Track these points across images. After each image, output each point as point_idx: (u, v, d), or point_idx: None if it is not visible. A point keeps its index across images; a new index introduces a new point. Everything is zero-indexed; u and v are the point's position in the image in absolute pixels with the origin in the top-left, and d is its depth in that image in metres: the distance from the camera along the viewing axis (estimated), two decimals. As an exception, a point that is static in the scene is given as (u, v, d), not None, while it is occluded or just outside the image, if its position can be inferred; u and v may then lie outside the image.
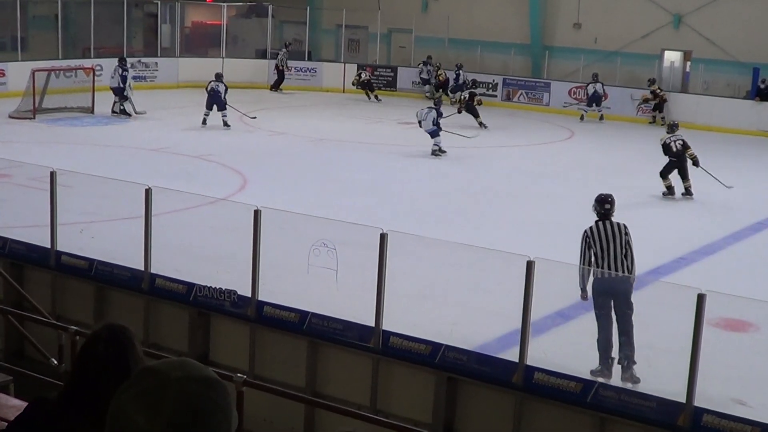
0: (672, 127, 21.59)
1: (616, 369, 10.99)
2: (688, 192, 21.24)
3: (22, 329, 12.44)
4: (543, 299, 11.06)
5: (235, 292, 12.35)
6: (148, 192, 13.13)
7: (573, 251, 11.63)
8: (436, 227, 16.47)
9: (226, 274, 13.16)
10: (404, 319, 11.85)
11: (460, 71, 36.34)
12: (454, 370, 10.89)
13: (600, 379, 10.71)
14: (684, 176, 21.19)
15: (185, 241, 15.71)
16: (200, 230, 16.61)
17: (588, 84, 33.90)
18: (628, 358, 10.97)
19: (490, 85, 37.19)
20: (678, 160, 21.02)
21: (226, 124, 28.56)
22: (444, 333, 11.50)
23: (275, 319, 12.08)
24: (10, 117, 29.07)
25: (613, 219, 11.62)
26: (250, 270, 12.18)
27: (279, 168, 23.23)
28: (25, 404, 6.94)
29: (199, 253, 15.19)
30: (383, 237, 11.20)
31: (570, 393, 10.27)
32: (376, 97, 37.01)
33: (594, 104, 33.74)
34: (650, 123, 32.72)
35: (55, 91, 30.27)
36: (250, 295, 12.20)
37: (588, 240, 11.38)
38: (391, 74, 39.11)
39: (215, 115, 28.45)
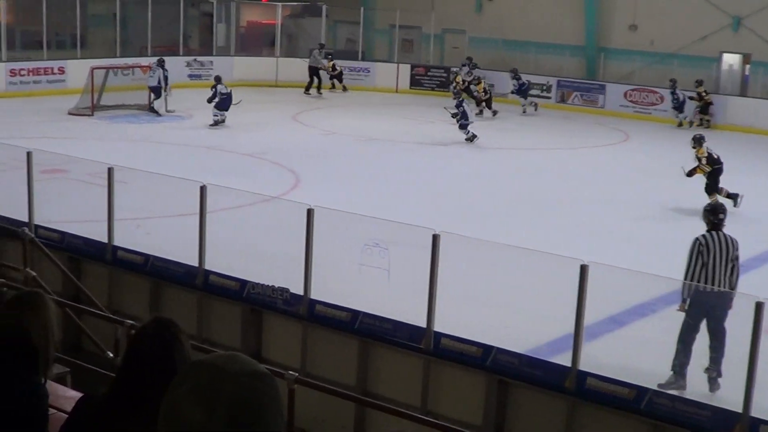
0: (700, 141, 20.27)
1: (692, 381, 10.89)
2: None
3: (80, 322, 12.63)
4: (596, 304, 11.02)
5: (287, 290, 12.43)
6: (203, 189, 13.25)
7: (625, 256, 11.59)
8: (489, 229, 16.45)
9: (279, 272, 13.23)
10: (456, 320, 11.87)
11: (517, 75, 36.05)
12: (505, 372, 10.88)
13: (674, 392, 10.59)
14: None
15: (239, 239, 15.82)
16: (254, 228, 16.72)
17: (673, 90, 33.16)
18: (717, 372, 10.83)
19: (544, 87, 37.02)
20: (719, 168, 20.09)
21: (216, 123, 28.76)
22: (495, 335, 11.51)
23: (327, 318, 12.15)
24: (69, 113, 29.45)
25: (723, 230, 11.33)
26: (302, 268, 12.25)
27: (332, 167, 23.32)
28: (80, 395, 7.07)
29: (253, 251, 15.28)
30: (435, 238, 11.23)
31: (623, 399, 10.21)
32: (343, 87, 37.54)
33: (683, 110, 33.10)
34: (697, 125, 32.23)
35: (113, 89, 30.62)
36: (302, 293, 12.28)
37: (701, 249, 11.05)
38: (444, 75, 39.04)
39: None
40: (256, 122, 28.90)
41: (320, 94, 36.81)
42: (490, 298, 13.81)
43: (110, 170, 13.93)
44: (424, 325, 11.36)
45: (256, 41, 43.80)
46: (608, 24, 38.73)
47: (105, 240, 14.16)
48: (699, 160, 19.95)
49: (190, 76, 36.65)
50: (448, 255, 11.57)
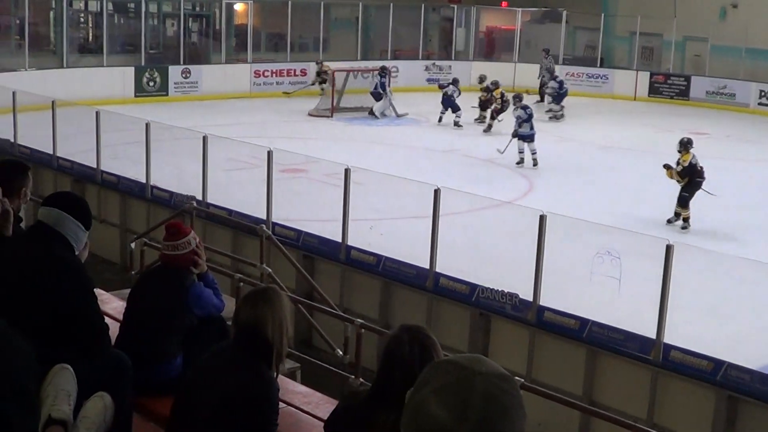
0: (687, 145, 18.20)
1: None
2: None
3: (311, 319, 12.95)
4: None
5: (516, 296, 12.44)
6: (436, 192, 13.38)
7: None
8: (725, 241, 16.04)
9: (509, 277, 13.24)
10: (687, 333, 11.64)
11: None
12: (735, 388, 10.62)
13: None
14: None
15: (470, 242, 15.90)
16: (485, 232, 16.77)
17: None
18: None
19: (786, 97, 35.83)
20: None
21: (457, 124, 29.07)
22: (727, 350, 11.23)
23: (555, 325, 12.10)
24: (309, 115, 30.23)
25: None
26: (532, 274, 12.24)
27: (565, 174, 23.17)
28: (309, 391, 7.28)
29: (484, 255, 15.34)
30: (669, 248, 11.05)
31: None
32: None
33: None
34: None
35: (353, 91, 31.28)
36: (531, 299, 12.27)
37: None
38: (684, 83, 38.19)
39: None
40: (481, 117, 29.01)
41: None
42: (725, 312, 13.47)
43: (347, 171, 14.23)
44: (653, 336, 11.19)
45: (494, 46, 43.89)
46: None
47: (339, 240, 14.47)
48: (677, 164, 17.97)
49: (429, 80, 36.99)
50: (681, 266, 11.37)
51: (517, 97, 25.13)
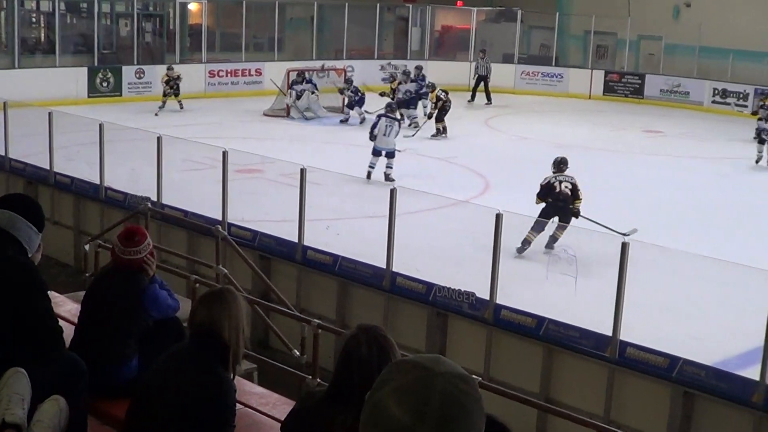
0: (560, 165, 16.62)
1: None
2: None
3: (268, 320, 12.90)
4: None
5: (473, 294, 12.45)
6: (392, 192, 13.38)
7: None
8: (682, 238, 16.12)
9: (466, 276, 13.26)
10: (643, 330, 11.70)
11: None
12: (691, 384, 10.69)
13: None
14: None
15: (427, 242, 15.91)
16: (442, 231, 16.79)
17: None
18: None
19: (741, 95, 36.12)
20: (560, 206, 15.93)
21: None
22: (683, 346, 11.30)
23: (512, 323, 12.12)
24: (265, 114, 30.16)
25: None
26: (489, 272, 12.26)
27: (521, 172, 23.19)
28: (266, 392, 7.26)
29: (440, 254, 15.35)
30: (624, 246, 11.09)
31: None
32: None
33: None
34: None
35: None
36: (488, 297, 12.29)
37: None
38: (639, 82, 38.48)
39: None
40: (447, 126, 28.98)
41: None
42: (680, 309, 13.56)
43: (303, 171, 14.20)
44: (610, 333, 11.24)
45: (449, 45, 43.97)
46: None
47: (296, 240, 14.44)
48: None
49: (384, 79, 37.05)
50: (638, 263, 11.42)
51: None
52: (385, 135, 20.87)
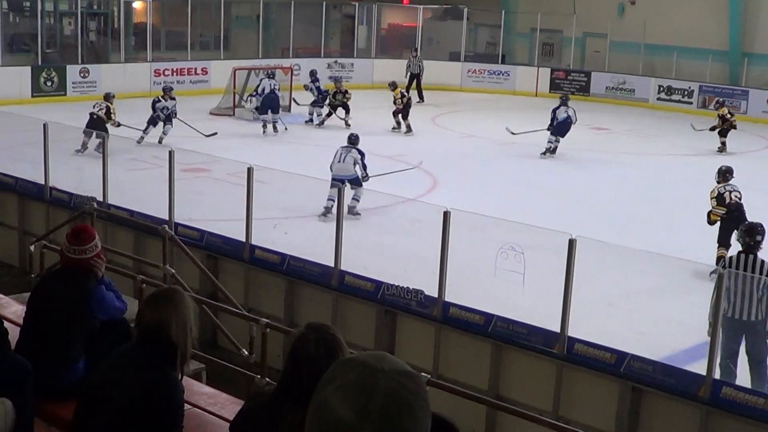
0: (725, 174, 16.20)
1: None
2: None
3: (216, 319, 12.85)
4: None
5: (422, 292, 12.46)
6: (340, 190, 13.38)
7: None
8: (624, 234, 16.23)
9: (414, 274, 13.27)
10: (590, 326, 11.77)
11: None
12: (639, 380, 10.75)
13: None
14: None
15: (375, 240, 15.90)
16: (390, 229, 16.79)
17: None
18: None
19: (686, 92, 36.50)
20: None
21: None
22: (630, 342, 11.38)
23: (460, 321, 12.14)
24: (211, 113, 30.01)
25: (758, 254, 11.15)
26: (437, 270, 12.27)
27: (469, 170, 23.31)
28: (214, 392, 7.22)
29: (388, 252, 15.36)
30: (572, 243, 11.14)
31: (761, 410, 10.01)
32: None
33: None
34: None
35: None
36: (436, 295, 12.30)
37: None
38: (585, 79, 38.77)
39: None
40: (395, 124, 29.00)
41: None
42: (627, 305, 13.65)
43: (249, 170, 14.12)
44: (558, 330, 11.28)
45: (396, 43, 44.03)
46: (753, 29, 37.84)
47: (243, 239, 14.38)
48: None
49: (331, 77, 37.03)
50: (584, 260, 11.47)
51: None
52: (339, 162, 18.11)
